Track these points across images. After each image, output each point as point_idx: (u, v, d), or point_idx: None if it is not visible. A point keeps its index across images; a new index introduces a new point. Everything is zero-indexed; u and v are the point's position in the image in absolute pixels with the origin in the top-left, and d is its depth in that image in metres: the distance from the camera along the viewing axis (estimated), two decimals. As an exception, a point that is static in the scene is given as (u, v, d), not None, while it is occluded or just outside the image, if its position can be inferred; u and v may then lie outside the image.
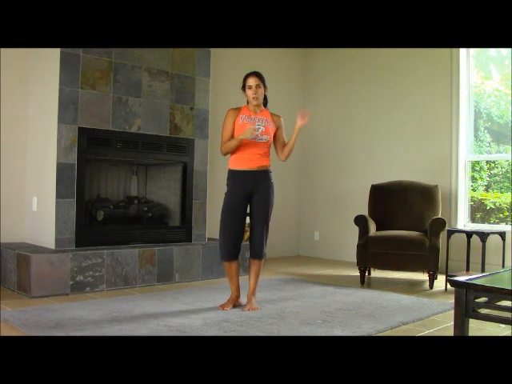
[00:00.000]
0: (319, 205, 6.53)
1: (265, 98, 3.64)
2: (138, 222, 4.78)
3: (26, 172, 4.53)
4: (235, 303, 3.60)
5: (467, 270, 4.79)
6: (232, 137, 3.52)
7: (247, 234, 6.07)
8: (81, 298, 3.78)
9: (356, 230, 4.83)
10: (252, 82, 3.50)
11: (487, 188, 5.54)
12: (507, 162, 5.39)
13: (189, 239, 4.84)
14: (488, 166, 5.55)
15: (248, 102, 3.57)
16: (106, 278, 4.12)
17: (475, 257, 4.71)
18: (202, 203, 4.97)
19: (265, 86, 3.55)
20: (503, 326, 3.08)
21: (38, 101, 4.41)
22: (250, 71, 3.59)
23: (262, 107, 3.61)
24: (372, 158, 6.08)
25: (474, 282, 2.12)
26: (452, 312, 2.28)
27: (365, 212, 5.09)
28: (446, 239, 4.71)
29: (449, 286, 4.40)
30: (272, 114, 3.62)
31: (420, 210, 5.03)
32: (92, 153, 4.29)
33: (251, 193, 3.51)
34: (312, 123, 6.70)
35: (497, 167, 5.56)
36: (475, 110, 5.53)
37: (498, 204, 5.38)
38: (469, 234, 4.74)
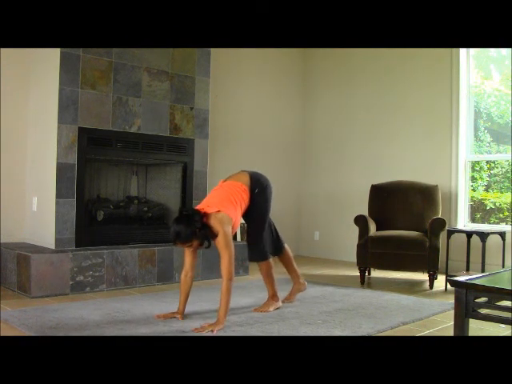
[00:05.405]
0: (319, 205, 6.53)
1: (202, 226, 3.05)
2: (138, 221, 4.78)
3: (26, 172, 4.53)
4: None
5: (467, 269, 4.79)
6: None
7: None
8: (81, 298, 3.78)
9: (356, 230, 4.83)
10: (181, 247, 3.22)
11: (487, 188, 5.53)
12: (507, 162, 5.39)
13: (189, 239, 4.84)
14: (488, 166, 5.55)
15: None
16: (106, 278, 4.11)
17: (475, 257, 4.71)
18: (202, 203, 4.97)
19: (191, 240, 3.04)
20: (503, 326, 3.08)
21: (38, 101, 4.41)
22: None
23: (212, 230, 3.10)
24: (372, 158, 6.08)
25: (474, 281, 2.12)
26: (452, 312, 2.28)
27: (365, 212, 5.09)
28: (446, 239, 4.71)
29: (449, 285, 4.39)
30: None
31: (420, 210, 5.03)
32: (92, 153, 4.29)
33: None
34: (312, 123, 6.75)
35: (497, 167, 5.56)
36: (475, 110, 5.53)
37: (498, 204, 5.38)
38: (469, 234, 4.74)
